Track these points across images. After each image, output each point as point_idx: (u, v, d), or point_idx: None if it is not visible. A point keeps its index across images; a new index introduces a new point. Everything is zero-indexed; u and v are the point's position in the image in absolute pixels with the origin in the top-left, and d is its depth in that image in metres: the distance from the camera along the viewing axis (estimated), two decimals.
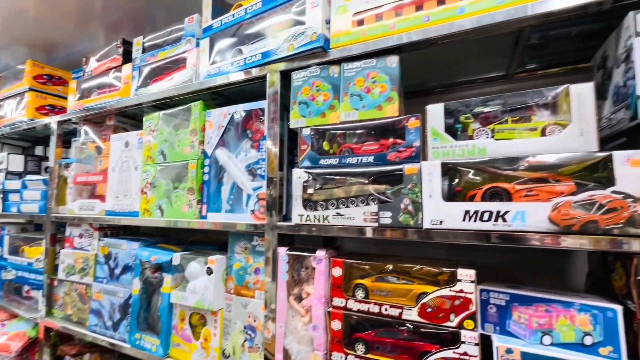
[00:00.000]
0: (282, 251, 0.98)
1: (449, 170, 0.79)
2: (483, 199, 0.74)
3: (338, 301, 0.89)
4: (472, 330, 0.74)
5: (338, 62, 0.93)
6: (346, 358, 0.87)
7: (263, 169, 1.05)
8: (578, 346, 0.67)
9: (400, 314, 0.81)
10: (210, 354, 1.12)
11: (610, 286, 0.75)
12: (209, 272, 1.11)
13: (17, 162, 2.11)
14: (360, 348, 0.86)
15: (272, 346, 0.98)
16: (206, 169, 1.19)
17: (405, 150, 0.82)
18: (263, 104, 1.07)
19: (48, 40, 2.01)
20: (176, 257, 1.19)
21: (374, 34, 0.88)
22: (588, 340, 0.66)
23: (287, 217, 1.04)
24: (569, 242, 0.64)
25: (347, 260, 0.90)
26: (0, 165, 2.06)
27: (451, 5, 0.80)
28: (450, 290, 0.77)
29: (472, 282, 0.75)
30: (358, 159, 0.87)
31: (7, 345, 1.68)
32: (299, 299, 0.98)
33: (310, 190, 0.92)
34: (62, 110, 1.93)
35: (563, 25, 0.78)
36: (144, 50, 1.41)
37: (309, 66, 0.97)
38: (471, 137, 0.79)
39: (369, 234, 0.84)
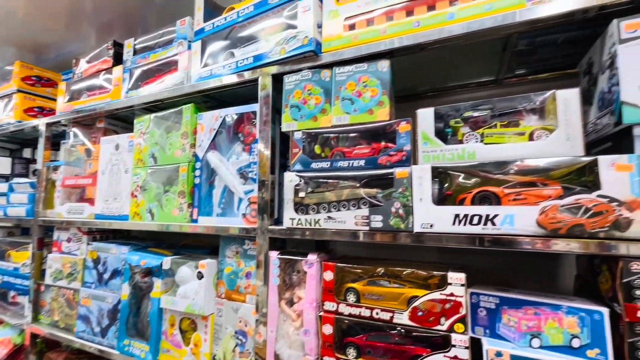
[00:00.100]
0: (274, 255, 0.97)
1: (439, 174, 0.80)
2: (473, 202, 0.74)
3: (329, 305, 0.89)
4: (463, 333, 0.75)
5: (330, 66, 0.93)
6: None
7: (255, 172, 1.05)
8: (566, 349, 0.68)
9: (392, 317, 0.81)
10: (200, 359, 1.10)
11: (597, 289, 0.76)
12: (200, 276, 1.10)
13: (4, 164, 2.08)
14: (351, 352, 0.86)
15: (263, 351, 0.97)
16: (197, 172, 1.18)
17: (396, 154, 0.82)
18: (255, 107, 1.07)
19: (37, 41, 1.98)
20: (166, 262, 1.18)
21: (365, 38, 0.88)
22: (576, 343, 0.67)
23: (278, 221, 1.04)
24: (560, 245, 0.65)
25: (339, 264, 0.90)
26: None
27: (441, 11, 0.81)
28: (441, 294, 0.77)
29: (463, 285, 0.76)
30: (349, 163, 0.87)
31: None
32: (291, 303, 0.97)
33: (301, 194, 0.92)
34: (51, 112, 1.90)
35: (550, 32, 0.79)
36: (135, 52, 1.40)
37: (300, 70, 0.97)
38: (461, 142, 0.79)
39: (360, 237, 0.84)
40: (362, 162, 0.86)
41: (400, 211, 0.79)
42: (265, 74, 1.03)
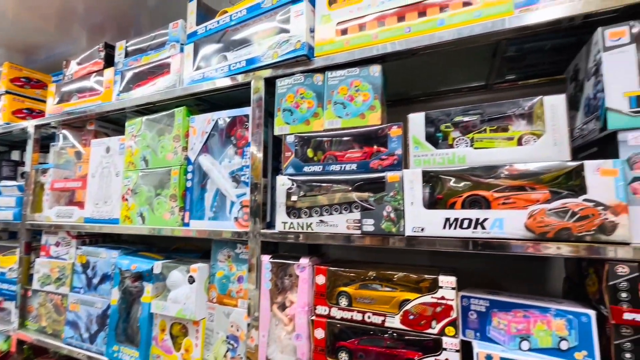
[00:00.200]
0: (266, 259, 0.97)
1: (430, 178, 0.81)
2: (463, 206, 0.75)
3: (321, 309, 0.89)
4: (453, 337, 0.75)
5: (322, 70, 0.94)
6: None
7: (247, 175, 1.04)
8: (555, 351, 0.68)
9: (383, 321, 0.81)
10: None
11: (585, 291, 0.77)
12: (191, 280, 1.09)
13: None
14: (343, 357, 0.85)
15: (255, 356, 0.96)
16: (189, 176, 1.17)
17: (387, 158, 0.83)
18: (247, 110, 1.06)
19: (27, 42, 1.95)
20: (157, 266, 1.17)
21: (357, 43, 0.89)
22: (564, 345, 0.68)
23: (271, 225, 1.03)
24: (551, 249, 0.66)
25: (331, 268, 0.90)
26: None
27: (432, 17, 0.82)
28: (432, 297, 0.78)
29: (453, 288, 0.76)
30: (341, 167, 0.88)
31: None
32: (283, 307, 0.97)
33: (294, 198, 0.92)
34: (41, 114, 1.87)
35: (538, 39, 0.81)
36: (127, 54, 1.39)
37: (293, 74, 0.97)
38: (451, 146, 0.80)
39: (352, 241, 0.84)
40: (354, 166, 0.86)
41: (392, 215, 0.80)
42: (258, 78, 1.03)
